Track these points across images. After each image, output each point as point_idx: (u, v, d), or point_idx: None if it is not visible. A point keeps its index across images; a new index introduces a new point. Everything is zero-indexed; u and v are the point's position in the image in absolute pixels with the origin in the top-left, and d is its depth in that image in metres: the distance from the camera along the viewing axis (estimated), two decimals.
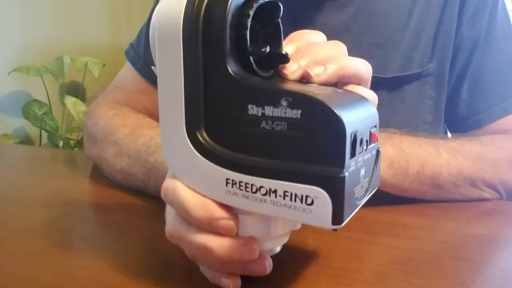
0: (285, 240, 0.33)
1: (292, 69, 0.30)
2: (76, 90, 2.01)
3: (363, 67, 0.32)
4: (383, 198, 0.42)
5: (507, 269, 0.37)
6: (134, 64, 0.70)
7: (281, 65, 0.30)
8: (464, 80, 0.61)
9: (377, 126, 0.29)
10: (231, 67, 0.27)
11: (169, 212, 0.33)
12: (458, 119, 0.63)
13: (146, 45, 0.69)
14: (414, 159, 0.48)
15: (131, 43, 0.74)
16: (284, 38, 0.32)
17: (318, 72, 0.30)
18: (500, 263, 0.39)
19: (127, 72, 0.71)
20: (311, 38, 0.34)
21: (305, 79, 0.30)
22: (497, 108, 0.61)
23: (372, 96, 0.33)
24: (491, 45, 0.61)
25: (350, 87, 0.32)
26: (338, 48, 0.33)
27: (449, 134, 0.69)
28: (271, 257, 0.32)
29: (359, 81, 0.32)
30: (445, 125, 0.65)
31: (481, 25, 0.60)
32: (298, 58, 0.31)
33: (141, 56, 0.69)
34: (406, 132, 0.51)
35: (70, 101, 1.79)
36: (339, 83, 0.32)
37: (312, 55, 0.31)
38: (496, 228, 0.46)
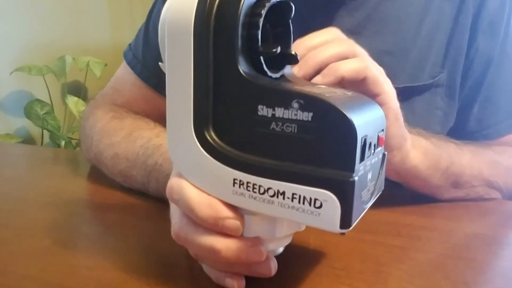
0: (288, 241, 0.33)
1: None
2: (78, 90, 2.01)
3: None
4: (385, 198, 0.42)
5: (509, 268, 0.37)
6: (133, 67, 0.68)
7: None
8: (477, 95, 0.61)
9: (384, 130, 0.29)
10: (242, 67, 0.27)
11: (175, 212, 0.33)
12: (466, 133, 0.63)
13: (145, 47, 0.68)
14: (446, 154, 0.49)
15: (129, 44, 0.72)
16: (293, 40, 0.32)
17: None
18: (502, 262, 0.39)
19: (126, 75, 0.69)
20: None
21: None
22: (504, 124, 0.61)
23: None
24: (504, 61, 0.61)
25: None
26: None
27: None
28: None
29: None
30: None
31: (496, 40, 0.60)
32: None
33: (139, 59, 0.68)
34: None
35: (72, 100, 1.80)
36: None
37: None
38: (497, 228, 0.46)
